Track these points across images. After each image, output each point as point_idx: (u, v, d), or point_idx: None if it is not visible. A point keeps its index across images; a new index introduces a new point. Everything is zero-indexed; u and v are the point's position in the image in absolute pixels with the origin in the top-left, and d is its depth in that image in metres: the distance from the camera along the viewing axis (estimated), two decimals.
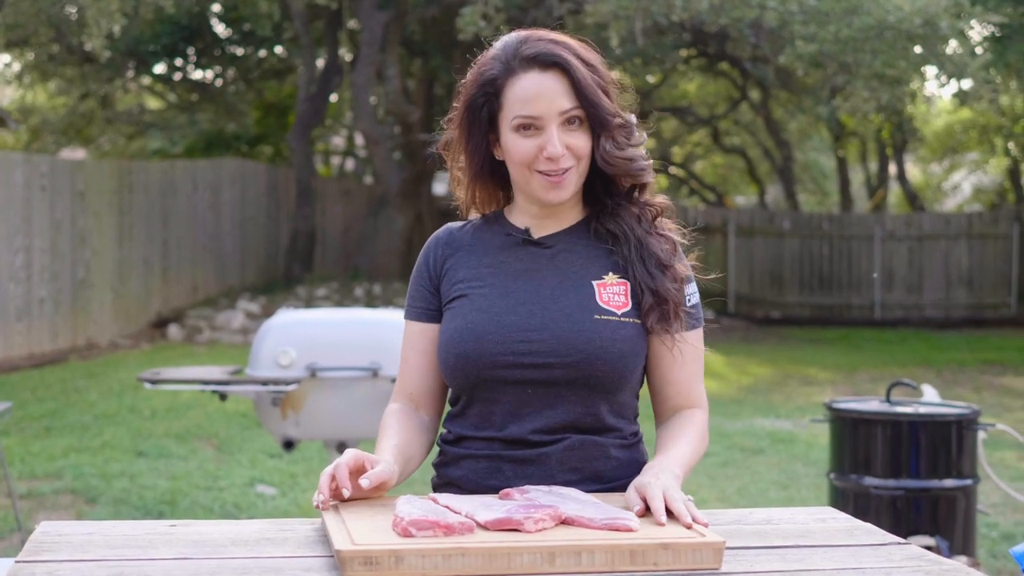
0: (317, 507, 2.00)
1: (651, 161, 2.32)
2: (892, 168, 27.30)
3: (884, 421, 5.03)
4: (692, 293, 2.33)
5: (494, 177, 2.34)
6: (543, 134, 2.21)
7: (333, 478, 2.02)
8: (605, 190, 2.32)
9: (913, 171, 31.92)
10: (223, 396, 5.14)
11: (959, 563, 1.88)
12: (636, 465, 2.30)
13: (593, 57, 2.26)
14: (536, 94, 2.21)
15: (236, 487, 7.43)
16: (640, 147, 2.29)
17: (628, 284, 2.26)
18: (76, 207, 14.41)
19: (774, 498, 7.40)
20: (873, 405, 5.21)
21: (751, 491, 7.65)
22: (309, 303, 17.07)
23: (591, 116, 2.21)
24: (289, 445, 5.11)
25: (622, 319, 2.23)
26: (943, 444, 5.01)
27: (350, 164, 28.20)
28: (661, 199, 2.35)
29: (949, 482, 5.01)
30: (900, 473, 5.00)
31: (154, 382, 5.05)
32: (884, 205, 27.54)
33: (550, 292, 2.26)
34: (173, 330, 15.88)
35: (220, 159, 20.55)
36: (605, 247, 2.30)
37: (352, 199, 22.66)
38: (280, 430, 5.08)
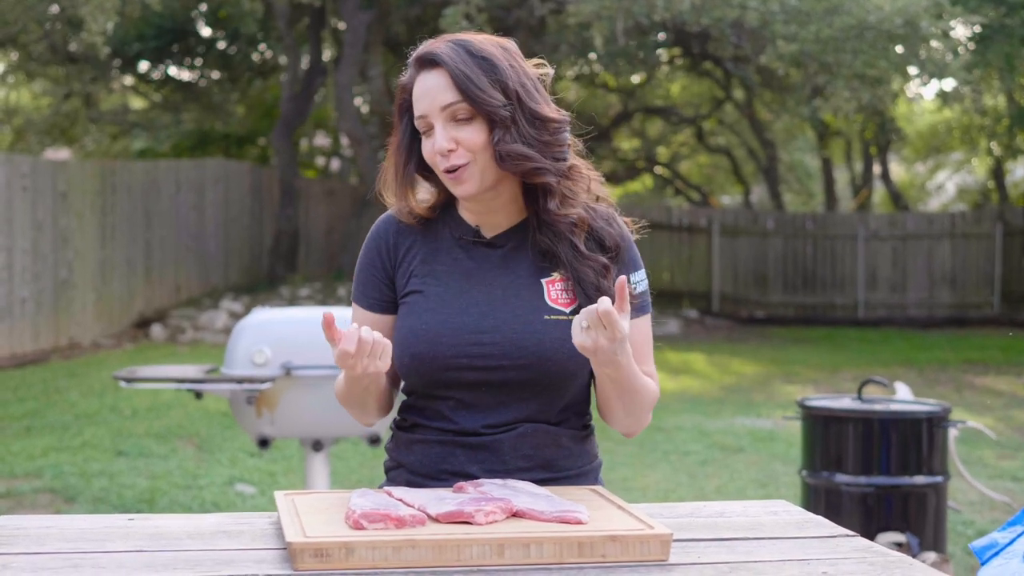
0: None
1: (564, 162, 2.26)
2: (876, 168, 27.36)
3: (855, 418, 5.06)
4: (639, 281, 2.32)
5: (431, 178, 2.35)
6: (434, 134, 2.24)
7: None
8: (543, 197, 2.29)
9: (897, 171, 31.99)
10: (198, 395, 5.15)
11: (903, 555, 1.91)
12: (587, 456, 2.35)
13: (495, 52, 2.24)
14: (421, 93, 2.24)
15: (215, 486, 7.44)
16: (558, 146, 2.25)
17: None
18: (58, 207, 14.40)
19: (752, 496, 7.43)
20: (844, 403, 5.25)
21: (729, 489, 7.68)
22: (292, 303, 17.06)
23: (477, 107, 2.20)
24: (264, 443, 5.12)
25: (570, 317, 2.25)
26: (914, 441, 5.05)
27: (335, 164, 28.19)
28: (573, 213, 2.27)
29: (920, 479, 5.04)
30: (871, 470, 5.03)
31: (129, 380, 5.06)
32: (868, 205, 27.60)
33: (502, 292, 2.28)
34: (156, 330, 15.87)
35: (203, 159, 20.52)
36: (540, 261, 2.31)
37: (336, 199, 22.65)
38: (255, 429, 5.09)
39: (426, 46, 2.27)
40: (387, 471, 2.39)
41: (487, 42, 2.27)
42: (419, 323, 2.28)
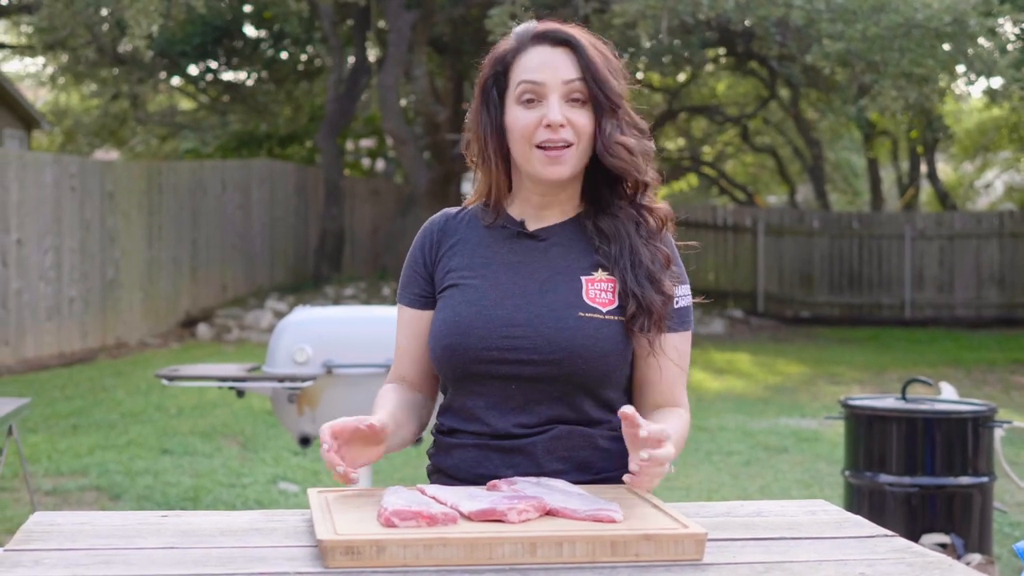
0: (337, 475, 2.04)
1: (653, 163, 2.30)
2: (923, 167, 27.15)
3: (899, 418, 5.01)
4: (683, 296, 2.31)
5: (504, 163, 2.32)
6: (544, 105, 2.22)
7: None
8: (609, 189, 2.31)
9: (945, 170, 31.72)
10: (240, 393, 5.17)
11: (942, 555, 1.88)
12: (626, 456, 2.29)
13: (606, 49, 2.29)
14: (542, 63, 2.24)
15: (259, 484, 7.47)
16: (646, 145, 2.29)
17: (616, 282, 2.26)
18: (105, 207, 14.51)
19: (796, 496, 7.38)
20: (888, 402, 5.19)
21: (773, 489, 7.64)
22: (337, 302, 17.10)
23: (595, 95, 2.22)
24: (306, 442, 5.13)
25: (606, 317, 2.24)
26: (959, 441, 4.99)
27: (380, 164, 28.26)
28: (663, 207, 2.33)
29: (965, 479, 4.99)
30: (915, 470, 4.98)
31: (171, 379, 5.08)
32: (915, 204, 27.37)
33: (539, 286, 2.26)
34: (202, 329, 15.96)
35: (249, 159, 20.63)
36: (597, 243, 2.30)
37: (381, 199, 22.70)
38: (297, 427, 5.10)
39: (551, 26, 2.28)
40: (429, 475, 2.38)
41: (596, 38, 2.30)
42: (453, 315, 2.27)
